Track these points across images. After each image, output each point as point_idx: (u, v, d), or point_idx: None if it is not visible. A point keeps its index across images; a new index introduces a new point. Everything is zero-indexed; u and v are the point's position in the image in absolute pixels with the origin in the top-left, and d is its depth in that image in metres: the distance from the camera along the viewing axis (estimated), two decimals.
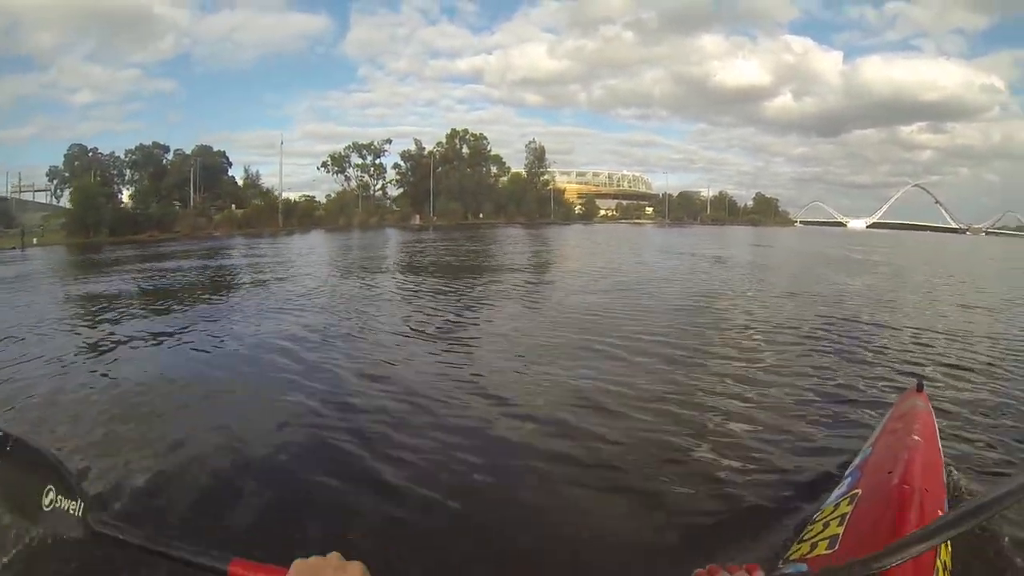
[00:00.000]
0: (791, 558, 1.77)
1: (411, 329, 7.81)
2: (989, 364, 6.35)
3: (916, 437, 2.40)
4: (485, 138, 61.17)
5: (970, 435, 4.12)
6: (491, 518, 2.96)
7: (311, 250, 26.19)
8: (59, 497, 1.12)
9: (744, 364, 5.99)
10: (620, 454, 3.68)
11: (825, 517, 1.99)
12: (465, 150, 59.41)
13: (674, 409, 4.52)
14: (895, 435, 2.57)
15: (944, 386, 5.31)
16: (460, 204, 54.51)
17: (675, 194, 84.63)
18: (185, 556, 1.04)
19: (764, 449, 3.74)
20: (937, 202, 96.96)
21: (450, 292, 11.51)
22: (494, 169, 61.36)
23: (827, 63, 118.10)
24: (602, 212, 78.79)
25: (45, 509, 1.11)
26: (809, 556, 1.70)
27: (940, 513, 1.89)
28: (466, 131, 60.10)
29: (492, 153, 61.51)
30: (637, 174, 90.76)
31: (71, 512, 1.13)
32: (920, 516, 1.73)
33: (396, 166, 57.72)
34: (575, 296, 11.05)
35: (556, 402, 4.69)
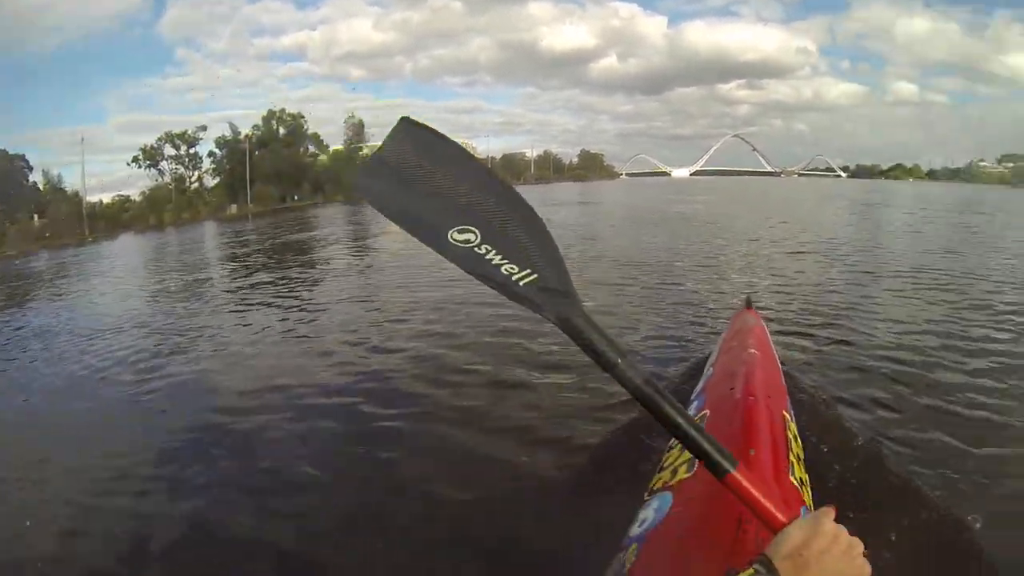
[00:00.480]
0: (655, 488, 1.74)
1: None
2: (805, 276, 7.46)
3: (752, 350, 2.47)
4: (302, 117, 56.81)
5: (798, 340, 4.68)
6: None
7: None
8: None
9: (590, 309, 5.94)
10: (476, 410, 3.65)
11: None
12: (282, 131, 55.45)
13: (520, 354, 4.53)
14: (732, 352, 2.64)
15: (771, 302, 5.94)
16: (276, 188, 50.83)
17: (499, 157, 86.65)
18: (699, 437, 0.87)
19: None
20: (754, 149, 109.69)
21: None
22: (311, 148, 58.12)
23: (652, 27, 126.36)
24: None
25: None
26: (672, 483, 1.68)
27: (785, 415, 2.01)
28: (283, 111, 55.88)
29: (310, 132, 57.81)
30: (464, 140, 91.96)
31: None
32: (766, 425, 1.76)
33: (211, 154, 52.35)
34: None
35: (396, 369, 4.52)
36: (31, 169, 46.55)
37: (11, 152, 45.45)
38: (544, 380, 4.06)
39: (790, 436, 1.87)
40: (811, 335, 4.88)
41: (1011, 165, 72.96)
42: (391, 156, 0.95)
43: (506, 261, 0.85)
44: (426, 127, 0.97)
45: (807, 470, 1.91)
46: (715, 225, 15.25)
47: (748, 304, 3.58)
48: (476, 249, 0.85)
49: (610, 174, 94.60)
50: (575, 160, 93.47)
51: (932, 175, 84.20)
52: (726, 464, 0.84)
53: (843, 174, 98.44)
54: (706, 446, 0.85)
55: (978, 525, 2.24)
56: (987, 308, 5.79)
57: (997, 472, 2.74)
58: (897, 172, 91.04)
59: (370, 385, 4.27)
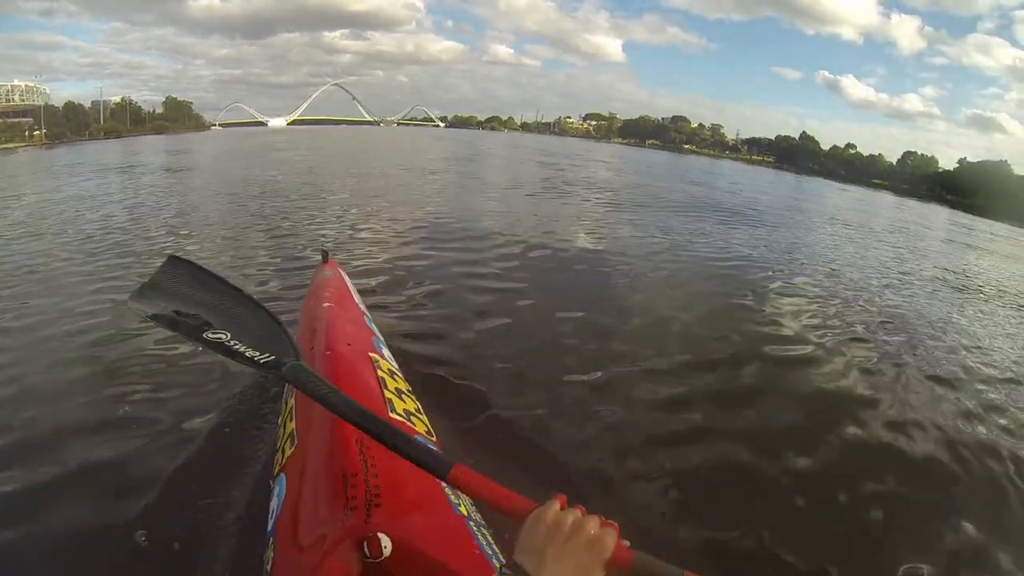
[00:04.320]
0: (275, 472, 1.71)
1: None
2: (387, 222, 8.35)
3: (327, 304, 2.51)
4: None
5: (382, 278, 5.32)
6: None
7: None
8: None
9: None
10: None
11: (283, 417, 2.00)
12: None
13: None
14: (309, 311, 2.64)
15: (351, 253, 6.31)
16: None
17: (80, 105, 69.58)
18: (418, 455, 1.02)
19: (211, 371, 3.31)
20: (354, 99, 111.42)
21: None
22: None
23: None
24: None
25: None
26: (283, 462, 1.67)
27: (372, 356, 2.08)
28: None
29: None
30: (32, 83, 70.61)
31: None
32: (351, 372, 1.85)
33: None
34: None
35: None
36: None
37: None
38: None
39: (382, 375, 1.96)
40: (397, 272, 5.61)
41: (594, 123, 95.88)
42: (160, 284, 1.46)
43: (249, 348, 1.27)
44: (189, 263, 1.51)
45: (419, 397, 2.09)
46: (305, 179, 14.92)
47: (325, 258, 3.66)
48: (228, 342, 1.28)
49: (199, 125, 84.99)
50: (159, 110, 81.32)
51: (526, 127, 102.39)
52: (441, 469, 0.98)
53: (441, 124, 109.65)
54: (417, 456, 1.00)
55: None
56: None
57: (565, 377, 3.59)
58: (493, 123, 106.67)
59: None
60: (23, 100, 68.79)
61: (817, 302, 5.99)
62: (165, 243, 6.98)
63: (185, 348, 3.55)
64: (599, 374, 3.63)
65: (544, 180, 16.71)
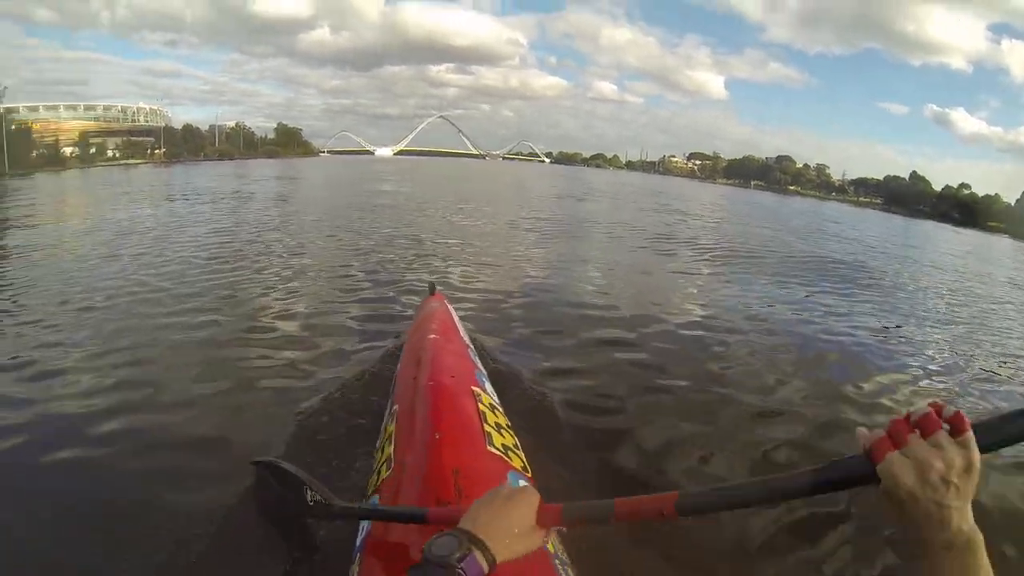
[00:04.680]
0: (369, 493, 1.78)
1: None
2: (494, 258, 8.38)
3: (432, 336, 2.59)
4: None
5: (488, 314, 5.32)
6: None
7: None
8: (314, 494, 1.69)
9: (278, 301, 5.73)
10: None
11: (382, 442, 2.05)
12: None
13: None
14: (414, 341, 2.74)
15: (456, 286, 6.44)
16: None
17: (197, 128, 77.13)
18: (391, 513, 1.47)
19: (319, 389, 3.52)
20: (460, 132, 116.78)
21: None
22: None
23: (369, 1, 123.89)
24: (68, 151, 59.37)
25: (310, 503, 1.69)
26: (378, 484, 1.74)
27: (474, 390, 2.11)
28: None
29: None
30: (156, 107, 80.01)
31: (323, 501, 1.68)
32: (453, 405, 1.91)
33: None
34: None
35: None
36: None
37: None
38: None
39: (482, 409, 1.99)
40: (503, 308, 5.62)
41: (698, 162, 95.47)
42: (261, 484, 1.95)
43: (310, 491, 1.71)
44: (278, 466, 1.85)
45: (517, 434, 2.11)
46: (413, 209, 15.64)
47: (432, 290, 3.81)
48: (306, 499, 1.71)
49: (309, 151, 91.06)
50: (271, 135, 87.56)
51: (630, 165, 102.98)
52: (416, 518, 1.29)
53: (547, 160, 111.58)
54: (395, 516, 1.35)
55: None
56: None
57: (652, 415, 3.52)
58: (598, 160, 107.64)
59: None
60: (147, 121, 77.49)
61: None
62: (286, 262, 7.60)
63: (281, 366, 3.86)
64: (700, 434, 3.39)
65: (655, 224, 16.10)
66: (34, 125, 54.78)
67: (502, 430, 1.97)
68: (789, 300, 7.41)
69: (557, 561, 1.44)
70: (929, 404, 0.66)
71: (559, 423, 3.28)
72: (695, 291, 7.56)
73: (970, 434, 0.63)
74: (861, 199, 76.48)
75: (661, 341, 5.05)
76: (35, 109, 66.31)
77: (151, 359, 4.09)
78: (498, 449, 1.79)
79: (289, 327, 4.89)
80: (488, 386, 2.40)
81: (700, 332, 5.42)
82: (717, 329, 5.55)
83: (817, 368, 4.82)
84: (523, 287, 6.65)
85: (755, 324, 5.92)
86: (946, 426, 0.64)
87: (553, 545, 1.49)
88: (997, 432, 0.64)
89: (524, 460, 1.93)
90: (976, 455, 0.63)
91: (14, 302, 5.50)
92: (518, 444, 2.02)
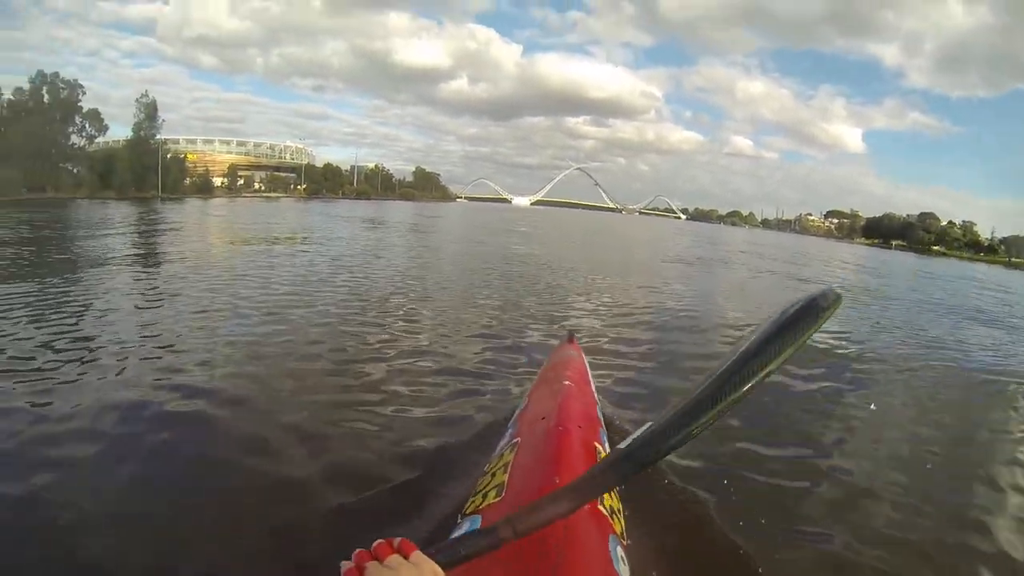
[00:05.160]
0: (467, 512, 1.84)
1: None
2: (630, 315, 8.28)
3: (567, 382, 2.65)
4: (80, 86, 46.97)
5: (618, 374, 5.11)
6: None
7: None
8: None
9: (413, 335, 6.09)
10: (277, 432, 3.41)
11: (493, 468, 2.11)
12: (46, 98, 44.22)
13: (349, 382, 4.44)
14: (549, 383, 2.83)
15: (594, 335, 6.53)
16: (20, 171, 38.25)
17: (337, 167, 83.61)
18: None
19: (439, 410, 3.92)
20: (596, 184, 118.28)
21: None
22: (87, 127, 47.12)
23: (507, 54, 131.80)
24: (218, 182, 65.95)
25: None
26: (482, 507, 1.79)
27: (597, 445, 2.13)
28: (56, 75, 45.53)
29: (86, 108, 47.08)
30: (301, 145, 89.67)
31: None
32: (576, 454, 1.90)
33: None
34: None
35: None
36: None
37: None
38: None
39: None
40: (633, 368, 5.40)
41: (835, 221, 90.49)
42: None
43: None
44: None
45: (622, 500, 2.07)
46: (547, 260, 15.78)
47: (570, 338, 3.84)
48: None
49: (446, 195, 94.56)
50: (409, 178, 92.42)
51: (766, 224, 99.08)
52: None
53: (682, 216, 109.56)
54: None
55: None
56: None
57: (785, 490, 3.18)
58: (734, 218, 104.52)
59: None
60: (292, 159, 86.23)
61: None
62: (432, 305, 8.00)
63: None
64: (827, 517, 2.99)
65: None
66: (190, 156, 62.94)
67: (613, 491, 1.96)
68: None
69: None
70: (377, 541, 0.84)
71: (660, 498, 2.92)
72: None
73: (417, 553, 0.83)
74: (1014, 260, 67.06)
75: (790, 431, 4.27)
76: (193, 141, 75.26)
77: (284, 374, 4.55)
78: (606, 510, 1.79)
79: (423, 356, 5.28)
80: (607, 443, 2.39)
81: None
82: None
83: None
84: (654, 348, 6.41)
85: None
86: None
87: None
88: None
89: (623, 526, 1.92)
90: (428, 566, 0.82)
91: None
92: (622, 509, 2.02)
